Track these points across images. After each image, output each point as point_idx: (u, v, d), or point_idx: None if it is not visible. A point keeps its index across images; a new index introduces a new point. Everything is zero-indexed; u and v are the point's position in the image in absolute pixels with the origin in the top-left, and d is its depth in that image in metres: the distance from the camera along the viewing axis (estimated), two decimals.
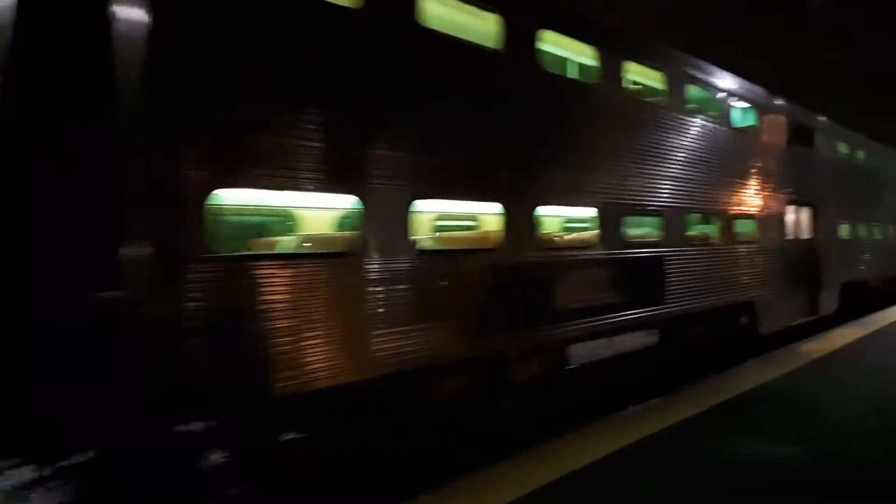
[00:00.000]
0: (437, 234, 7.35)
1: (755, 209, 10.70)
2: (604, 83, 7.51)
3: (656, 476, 4.96)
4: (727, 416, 6.61)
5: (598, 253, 7.28)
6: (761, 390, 7.58)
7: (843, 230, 14.47)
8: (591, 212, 7.38)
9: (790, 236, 11.88)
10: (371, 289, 5.00)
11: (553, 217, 8.76)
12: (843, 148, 15.10)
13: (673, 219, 8.54)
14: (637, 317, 7.84)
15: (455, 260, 5.89)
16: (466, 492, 4.63)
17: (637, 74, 8.40)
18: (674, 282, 8.46)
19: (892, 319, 13.67)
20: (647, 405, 7.05)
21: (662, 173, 8.38)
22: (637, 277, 7.91)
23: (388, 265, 5.12)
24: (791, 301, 11.69)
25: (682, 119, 8.83)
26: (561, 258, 6.88)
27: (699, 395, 7.34)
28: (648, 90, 8.81)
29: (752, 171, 10.68)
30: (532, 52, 6.59)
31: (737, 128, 10.51)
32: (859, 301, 14.76)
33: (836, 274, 13.58)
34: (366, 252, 5.01)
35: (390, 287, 5.12)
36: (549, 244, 7.03)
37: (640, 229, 8.76)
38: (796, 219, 12.23)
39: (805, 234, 12.55)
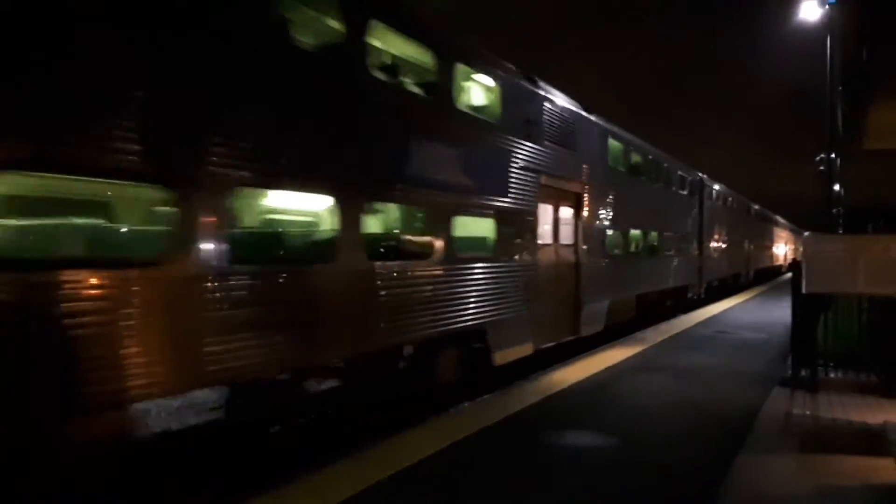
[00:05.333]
0: None
1: None
2: None
3: (490, 466, 5.33)
4: (551, 409, 7.21)
5: None
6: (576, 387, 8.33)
7: None
8: None
9: None
10: None
11: None
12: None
13: None
14: None
15: None
16: (302, 491, 4.74)
17: None
18: None
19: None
20: (477, 402, 7.49)
21: None
22: None
23: None
24: None
25: None
26: None
27: (522, 392, 7.92)
28: None
29: None
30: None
31: None
32: None
33: None
34: None
35: None
36: None
37: None
38: None
39: None
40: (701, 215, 21.83)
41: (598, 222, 12.41)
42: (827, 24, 14.47)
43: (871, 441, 6.01)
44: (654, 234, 16.43)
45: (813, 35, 16.12)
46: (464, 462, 5.40)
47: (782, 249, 50.28)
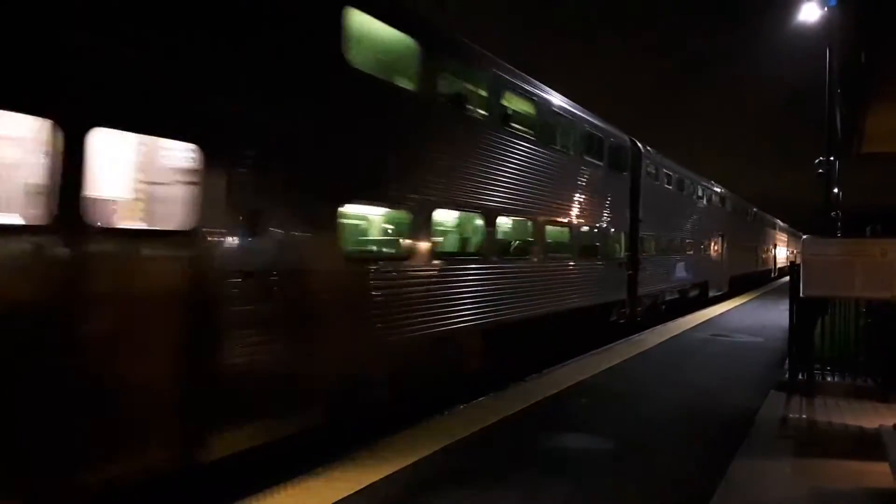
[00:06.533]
0: None
1: None
2: None
3: (487, 465, 5.27)
4: (550, 410, 7.19)
5: None
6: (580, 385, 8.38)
7: None
8: None
9: None
10: None
11: None
12: None
13: None
14: None
15: None
16: (290, 494, 4.69)
17: None
18: None
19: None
20: (475, 403, 7.43)
21: None
22: None
23: None
24: None
25: None
26: None
27: (525, 392, 7.94)
28: None
29: None
30: None
31: None
32: None
33: None
34: None
35: None
36: None
37: None
38: None
39: None
40: (635, 201, 15.30)
41: (318, 187, 5.95)
42: (826, 27, 14.49)
43: (867, 445, 6.01)
44: (527, 223, 10.32)
45: (812, 38, 16.15)
46: (458, 461, 5.34)
47: (773, 252, 45.81)
